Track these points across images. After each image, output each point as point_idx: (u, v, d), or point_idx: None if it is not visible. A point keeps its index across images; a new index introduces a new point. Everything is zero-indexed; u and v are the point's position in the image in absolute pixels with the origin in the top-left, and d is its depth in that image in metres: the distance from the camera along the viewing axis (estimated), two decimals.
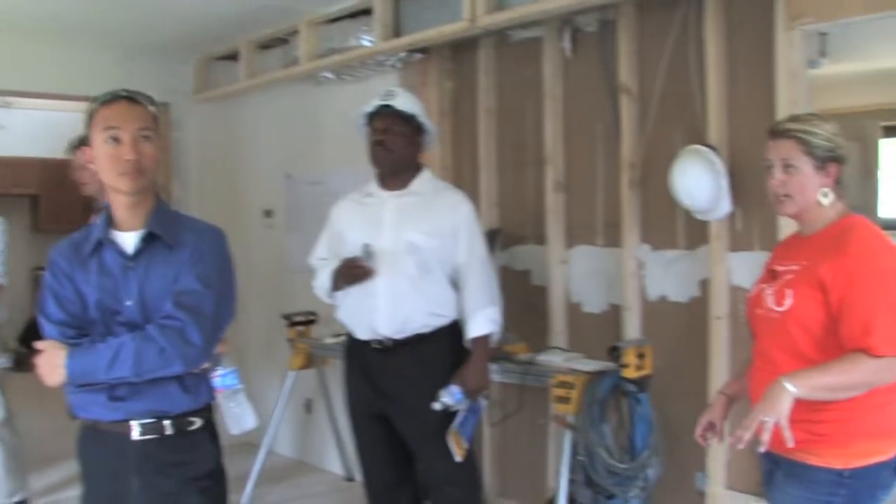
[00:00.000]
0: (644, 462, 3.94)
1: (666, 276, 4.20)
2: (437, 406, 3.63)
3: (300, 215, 6.16)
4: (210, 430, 2.72)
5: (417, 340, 3.73)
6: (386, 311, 3.70)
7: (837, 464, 2.52)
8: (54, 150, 9.93)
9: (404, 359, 3.74)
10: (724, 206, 3.82)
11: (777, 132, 2.70)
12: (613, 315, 4.43)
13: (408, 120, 3.75)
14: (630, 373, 3.87)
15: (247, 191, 6.84)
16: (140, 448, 2.56)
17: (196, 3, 5.49)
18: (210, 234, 2.70)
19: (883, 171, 7.85)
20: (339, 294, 3.85)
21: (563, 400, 3.85)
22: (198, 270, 2.58)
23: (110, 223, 2.62)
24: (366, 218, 3.82)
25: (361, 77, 5.57)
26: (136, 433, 2.56)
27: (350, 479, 5.79)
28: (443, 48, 5.14)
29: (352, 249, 3.77)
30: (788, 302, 2.59)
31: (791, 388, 2.39)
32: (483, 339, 3.74)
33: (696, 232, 4.06)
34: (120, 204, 2.59)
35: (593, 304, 4.55)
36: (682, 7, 4.07)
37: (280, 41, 6.23)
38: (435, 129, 3.92)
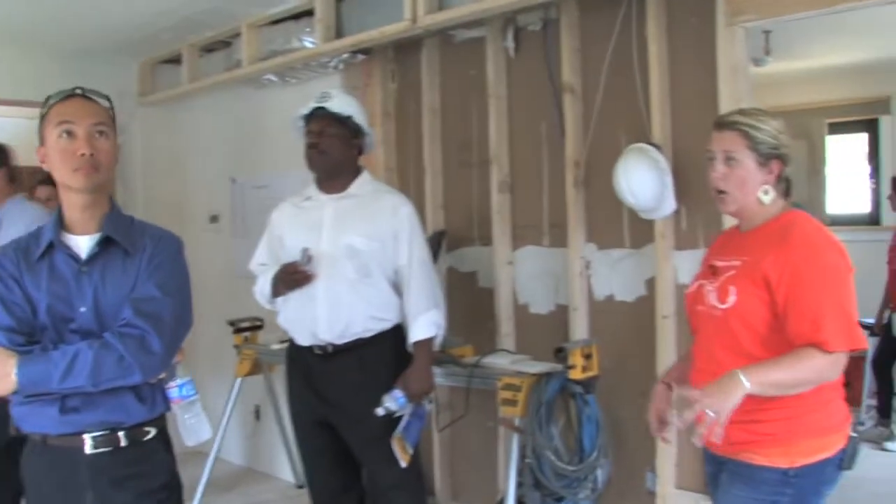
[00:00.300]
0: (593, 463, 3.91)
1: (612, 275, 4.19)
2: (379, 411, 3.57)
3: (245, 220, 6.09)
4: (164, 439, 2.63)
5: (359, 345, 3.67)
6: (326, 316, 3.64)
7: (783, 463, 2.49)
8: None
9: (346, 364, 3.67)
10: (669, 204, 3.80)
11: (722, 124, 2.67)
12: (561, 316, 4.40)
13: (343, 122, 3.68)
14: (577, 374, 3.84)
15: (192, 195, 6.75)
16: (93, 462, 2.46)
17: (138, 6, 5.41)
18: (168, 240, 2.61)
19: (829, 167, 7.90)
20: (280, 300, 3.79)
21: (510, 402, 3.80)
22: (157, 278, 2.49)
23: (61, 226, 2.52)
24: (305, 222, 3.76)
25: (304, 79, 5.51)
26: (89, 447, 2.46)
27: (301, 486, 5.70)
28: (386, 49, 5.10)
29: (291, 254, 3.70)
30: (732, 299, 2.55)
31: (745, 383, 2.35)
32: (425, 343, 3.69)
33: (641, 231, 4.05)
34: (73, 204, 2.50)
35: (540, 304, 4.52)
36: (623, 5, 4.04)
37: (223, 44, 6.16)
38: (373, 130, 3.86)
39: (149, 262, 2.50)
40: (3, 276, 2.47)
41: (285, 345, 4.87)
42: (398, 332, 3.75)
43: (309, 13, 5.24)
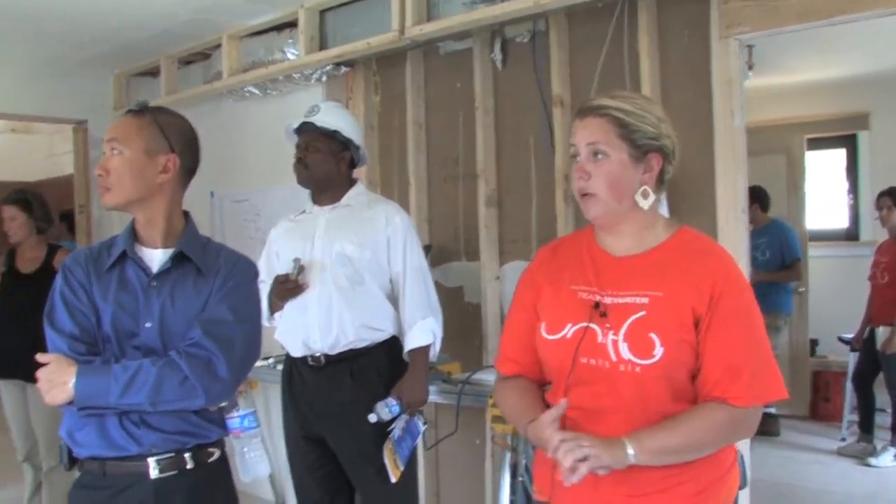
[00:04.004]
0: None
1: None
2: (371, 417, 3.47)
3: (224, 234, 5.99)
4: (226, 463, 2.51)
5: (352, 356, 3.59)
6: (317, 324, 3.56)
7: None
8: None
9: (339, 375, 3.59)
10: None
11: (586, 110, 2.19)
12: None
13: (329, 135, 3.63)
14: None
15: None
16: (159, 488, 2.32)
17: (116, 18, 5.33)
18: (244, 264, 2.50)
19: (808, 183, 7.92)
20: (277, 315, 3.72)
21: (502, 419, 3.72)
22: (230, 301, 2.38)
23: (135, 237, 2.43)
24: (298, 234, 3.71)
25: (285, 91, 5.45)
26: (153, 471, 2.32)
27: None
28: (369, 61, 5.04)
29: (284, 266, 3.65)
30: (659, 351, 2.05)
31: (629, 453, 1.97)
32: (421, 352, 3.60)
33: None
34: (135, 219, 2.44)
35: None
36: (614, 17, 4.00)
37: (202, 56, 6.09)
38: (361, 142, 3.78)
39: (223, 284, 2.40)
40: (72, 283, 2.36)
41: (266, 361, 4.82)
42: (394, 343, 3.67)
43: (292, 24, 5.19)
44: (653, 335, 2.06)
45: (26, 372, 2.29)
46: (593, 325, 2.13)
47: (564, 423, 2.09)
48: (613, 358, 2.09)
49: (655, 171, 2.17)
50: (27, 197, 5.16)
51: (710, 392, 2.05)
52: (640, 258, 2.18)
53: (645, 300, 2.10)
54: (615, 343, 2.09)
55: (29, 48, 5.96)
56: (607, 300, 2.14)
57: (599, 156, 2.14)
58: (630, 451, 1.96)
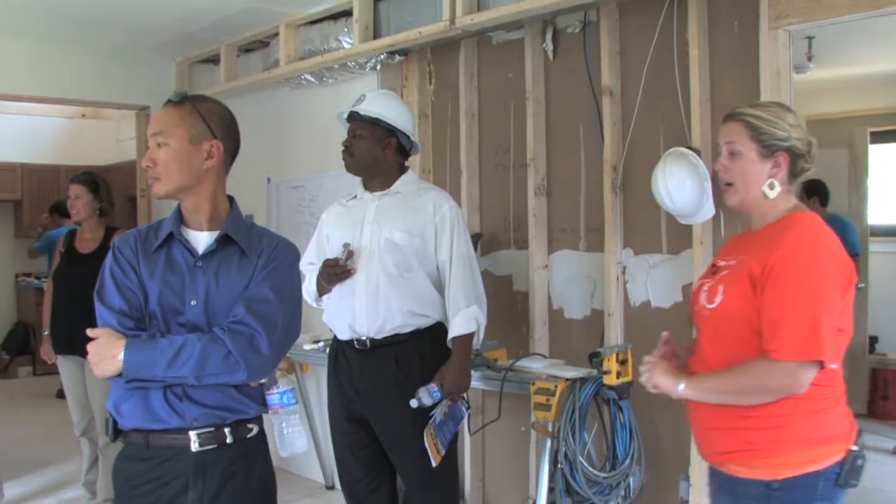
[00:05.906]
0: (625, 470, 3.86)
1: (648, 281, 4.13)
2: (413, 403, 3.54)
3: (280, 219, 6.08)
4: (264, 438, 2.59)
5: (397, 341, 3.66)
6: (364, 309, 3.64)
7: (766, 475, 2.38)
8: (36, 154, 9.98)
9: (383, 359, 3.66)
10: (708, 209, 3.74)
11: (728, 115, 2.61)
12: (596, 321, 4.36)
13: (374, 123, 3.70)
14: (611, 380, 3.76)
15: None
16: (199, 461, 2.41)
17: (177, 6, 5.45)
18: (285, 246, 2.58)
19: (871, 177, 7.77)
20: (325, 297, 3.79)
21: (543, 407, 3.76)
22: (272, 281, 2.47)
23: (182, 220, 2.53)
24: (349, 219, 3.79)
25: (341, 80, 5.52)
26: (194, 444, 2.40)
27: (330, 487, 5.72)
28: (423, 50, 5.09)
29: (334, 250, 3.74)
30: (718, 299, 2.49)
31: (680, 388, 2.48)
32: (464, 339, 3.66)
33: (679, 236, 3.99)
34: (182, 204, 2.53)
35: (575, 309, 4.48)
36: (664, 7, 4.00)
37: (261, 44, 6.18)
38: (410, 129, 3.82)
39: (265, 265, 2.48)
40: (121, 262, 2.46)
41: (317, 345, 4.91)
42: (439, 330, 3.73)
43: (347, 13, 5.26)
44: (720, 286, 2.51)
45: (84, 348, 2.39)
46: (705, 280, 2.64)
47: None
48: (702, 303, 2.58)
49: (783, 167, 2.51)
50: (95, 178, 5.29)
51: (763, 347, 2.36)
52: (757, 233, 2.57)
53: (734, 262, 2.54)
54: (703, 292, 2.58)
55: (95, 37, 6.13)
56: (722, 263, 2.61)
57: (735, 154, 2.53)
58: (681, 385, 2.48)
